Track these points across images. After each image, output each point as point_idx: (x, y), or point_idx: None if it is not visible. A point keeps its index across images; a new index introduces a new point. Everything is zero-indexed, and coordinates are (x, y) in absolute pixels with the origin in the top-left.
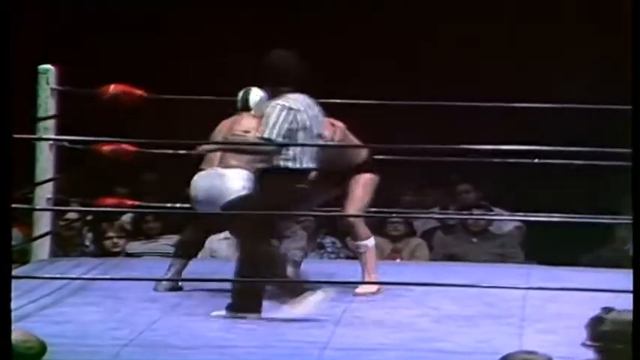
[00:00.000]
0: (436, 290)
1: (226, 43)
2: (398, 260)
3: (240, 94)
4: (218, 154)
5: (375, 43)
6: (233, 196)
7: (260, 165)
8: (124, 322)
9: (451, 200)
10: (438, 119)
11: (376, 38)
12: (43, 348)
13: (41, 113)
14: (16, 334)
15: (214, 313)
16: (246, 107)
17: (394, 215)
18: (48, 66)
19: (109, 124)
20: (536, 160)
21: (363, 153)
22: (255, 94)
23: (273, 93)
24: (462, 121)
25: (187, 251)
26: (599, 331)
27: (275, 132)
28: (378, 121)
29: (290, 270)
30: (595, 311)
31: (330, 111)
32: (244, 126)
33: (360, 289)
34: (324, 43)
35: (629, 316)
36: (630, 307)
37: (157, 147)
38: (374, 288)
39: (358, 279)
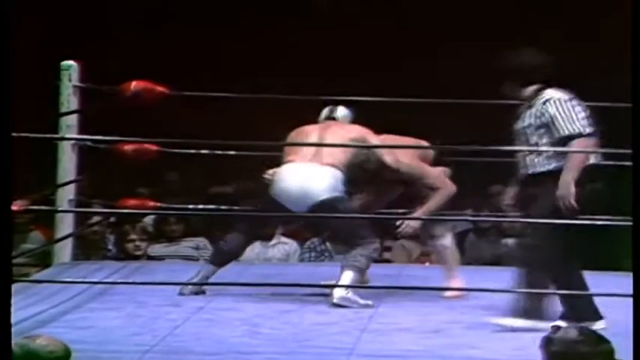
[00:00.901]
0: (468, 296)
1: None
2: (427, 264)
3: (326, 110)
4: (312, 149)
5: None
6: (324, 197)
7: (362, 166)
8: (146, 328)
9: (484, 202)
10: (468, 118)
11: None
12: (66, 353)
13: (64, 111)
14: (39, 340)
15: (503, 321)
16: (331, 118)
17: (424, 218)
18: (70, 62)
19: (131, 122)
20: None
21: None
22: (341, 110)
23: (525, 91)
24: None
25: (225, 260)
26: (550, 352)
27: (583, 124)
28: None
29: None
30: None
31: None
32: (335, 132)
33: (449, 292)
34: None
35: (575, 333)
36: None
37: (180, 146)
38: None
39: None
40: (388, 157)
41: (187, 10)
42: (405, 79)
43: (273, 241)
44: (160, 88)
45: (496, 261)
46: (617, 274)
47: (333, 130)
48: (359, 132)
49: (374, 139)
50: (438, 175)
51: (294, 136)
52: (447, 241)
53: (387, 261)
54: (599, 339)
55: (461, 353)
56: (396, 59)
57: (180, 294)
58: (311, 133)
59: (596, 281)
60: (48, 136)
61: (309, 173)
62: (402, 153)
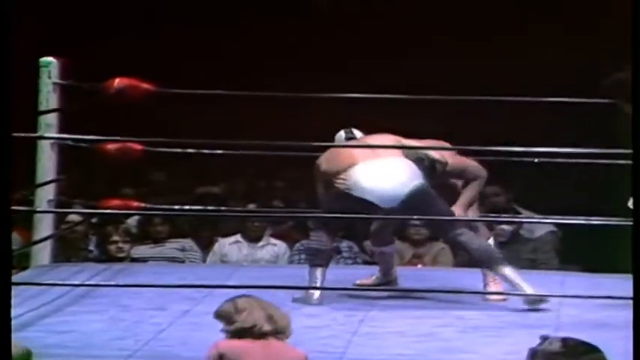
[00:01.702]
0: (462, 298)
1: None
2: (419, 266)
3: (342, 133)
4: (367, 150)
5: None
6: (416, 182)
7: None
8: (129, 332)
9: (479, 203)
10: (466, 115)
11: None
12: (27, 356)
13: (43, 109)
14: None
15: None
16: (350, 139)
17: (415, 218)
18: (50, 59)
19: (114, 120)
20: (535, 161)
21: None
22: (357, 131)
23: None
24: (488, 118)
25: (328, 257)
26: None
27: None
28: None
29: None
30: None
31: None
32: (375, 139)
33: (492, 295)
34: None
35: (558, 345)
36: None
37: (166, 145)
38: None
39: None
40: (435, 154)
41: (177, 8)
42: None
43: (262, 242)
44: (145, 85)
45: None
46: (614, 277)
47: (371, 139)
48: (394, 138)
49: (405, 142)
50: (474, 163)
51: (331, 157)
52: (390, 249)
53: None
54: (588, 349)
55: (453, 357)
56: (399, 56)
57: (297, 301)
58: (347, 150)
59: (595, 283)
60: (26, 135)
61: (389, 167)
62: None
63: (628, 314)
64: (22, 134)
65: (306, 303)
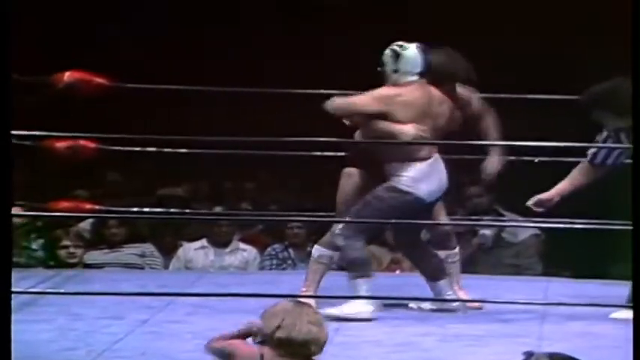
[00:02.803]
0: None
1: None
2: (398, 272)
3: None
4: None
5: None
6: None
7: None
8: (81, 342)
9: (461, 205)
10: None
11: None
12: None
13: None
14: None
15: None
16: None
17: (392, 222)
18: None
19: (67, 117)
20: (536, 160)
21: None
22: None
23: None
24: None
25: (369, 265)
26: None
27: None
28: None
29: None
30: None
31: None
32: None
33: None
34: None
35: None
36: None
37: (123, 144)
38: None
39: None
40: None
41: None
42: None
43: (230, 248)
44: (98, 80)
45: (473, 268)
46: (600, 282)
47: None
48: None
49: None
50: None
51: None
52: (317, 252)
53: None
54: None
55: None
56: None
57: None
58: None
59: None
60: None
61: (440, 166)
62: None
63: (614, 322)
64: None
65: (355, 318)
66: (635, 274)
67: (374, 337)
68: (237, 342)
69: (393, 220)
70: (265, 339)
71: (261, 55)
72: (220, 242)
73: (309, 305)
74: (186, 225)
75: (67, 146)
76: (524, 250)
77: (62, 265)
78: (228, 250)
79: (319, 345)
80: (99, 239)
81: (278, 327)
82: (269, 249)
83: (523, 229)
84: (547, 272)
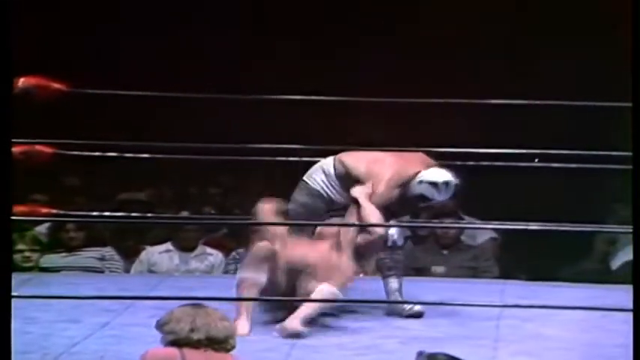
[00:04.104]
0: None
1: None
2: (361, 275)
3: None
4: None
5: None
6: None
7: None
8: (35, 345)
9: (423, 208)
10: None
11: None
12: None
13: None
14: None
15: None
16: None
17: (356, 225)
18: None
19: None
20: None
21: None
22: None
23: None
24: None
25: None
26: None
27: None
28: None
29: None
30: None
31: None
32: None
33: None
34: None
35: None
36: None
37: (83, 149)
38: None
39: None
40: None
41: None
42: None
43: (196, 252)
44: (55, 85)
45: (432, 271)
46: (555, 285)
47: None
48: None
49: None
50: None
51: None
52: (244, 274)
53: None
54: None
55: None
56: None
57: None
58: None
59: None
60: None
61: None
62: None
63: (567, 323)
64: None
65: (401, 315)
66: (635, 275)
67: (337, 340)
68: (151, 349)
69: (358, 223)
70: (179, 342)
71: (225, 59)
72: (186, 247)
73: (205, 305)
74: (149, 229)
75: (21, 151)
76: (482, 253)
77: (17, 269)
78: (193, 254)
79: (235, 338)
80: (56, 243)
81: (192, 330)
82: (233, 253)
83: (481, 233)
84: (503, 275)
